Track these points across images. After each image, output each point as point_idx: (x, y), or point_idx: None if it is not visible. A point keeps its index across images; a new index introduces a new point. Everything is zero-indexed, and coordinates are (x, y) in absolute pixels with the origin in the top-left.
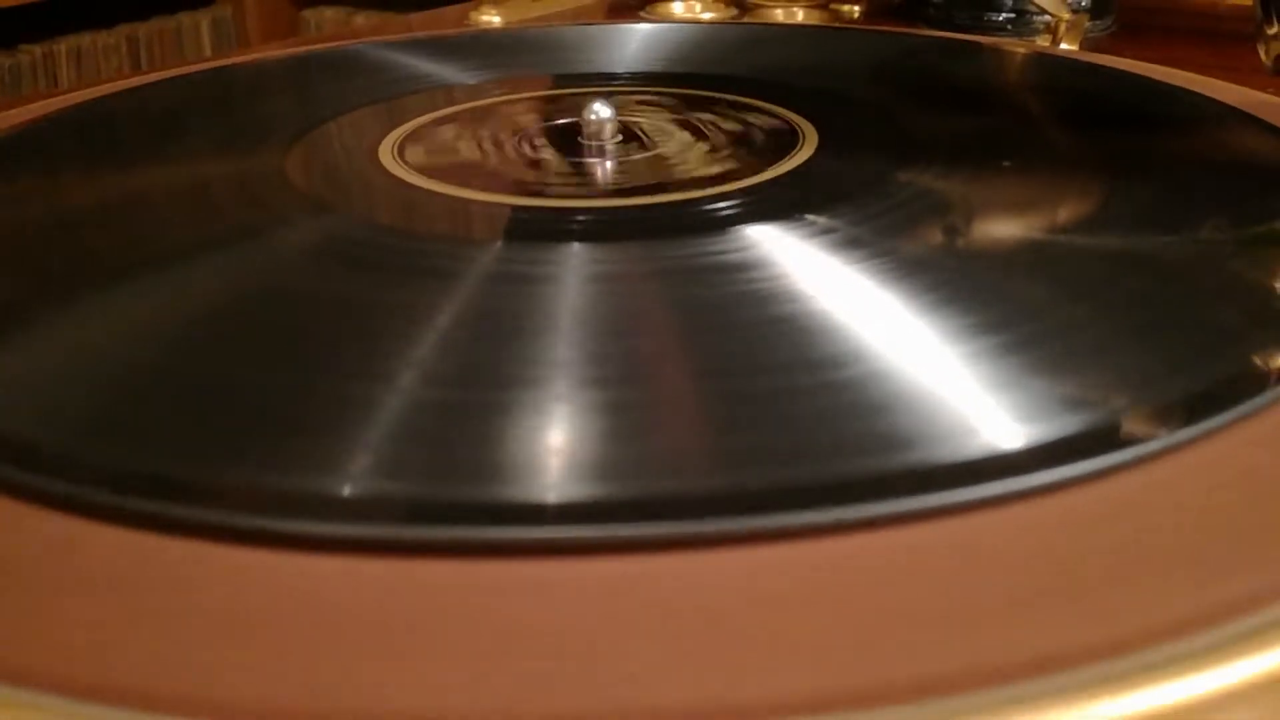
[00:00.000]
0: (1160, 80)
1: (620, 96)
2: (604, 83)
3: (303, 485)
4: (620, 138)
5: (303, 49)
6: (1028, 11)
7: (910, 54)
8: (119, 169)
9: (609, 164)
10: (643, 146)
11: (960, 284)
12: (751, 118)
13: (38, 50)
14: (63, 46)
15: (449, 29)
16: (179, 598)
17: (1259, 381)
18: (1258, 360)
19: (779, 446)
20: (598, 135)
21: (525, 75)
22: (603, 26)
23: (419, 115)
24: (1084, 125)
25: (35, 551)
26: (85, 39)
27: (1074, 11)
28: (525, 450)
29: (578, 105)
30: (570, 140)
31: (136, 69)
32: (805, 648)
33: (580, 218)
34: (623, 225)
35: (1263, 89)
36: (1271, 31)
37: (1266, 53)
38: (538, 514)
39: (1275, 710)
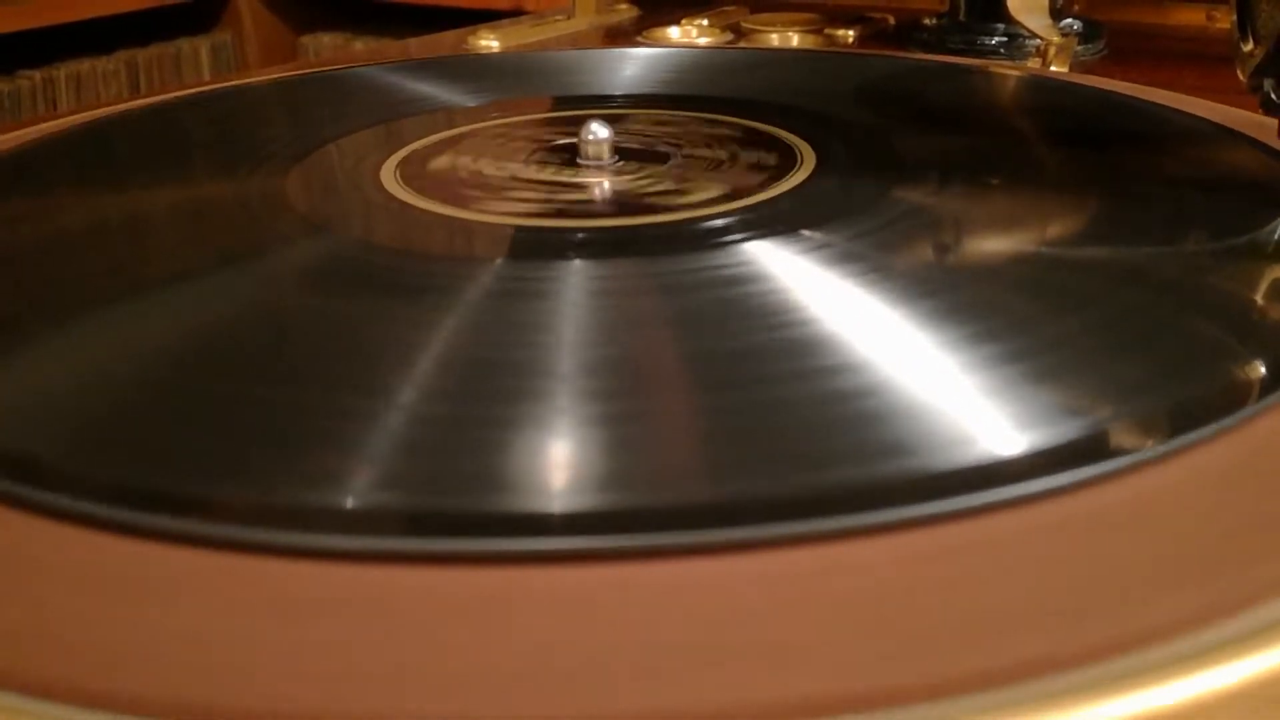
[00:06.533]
0: (1147, 100)
1: (618, 118)
2: (602, 105)
3: (305, 499)
4: (618, 158)
5: (302, 73)
6: (1019, 35)
7: (904, 77)
8: (119, 190)
9: (607, 184)
10: (641, 166)
11: (955, 296)
12: (749, 139)
13: (37, 75)
14: (62, 72)
15: (447, 53)
16: (181, 608)
17: (1245, 392)
18: (1243, 372)
19: (780, 456)
20: (596, 155)
21: (523, 98)
22: (600, 50)
23: (418, 137)
24: (1074, 143)
25: (37, 562)
26: (84, 65)
27: (1063, 35)
28: (527, 462)
29: (576, 126)
30: (569, 161)
31: (136, 94)
32: (806, 651)
33: (579, 236)
34: (622, 243)
35: (1253, 110)
36: (1247, 49)
37: (1243, 71)
38: (540, 525)
39: (1268, 713)
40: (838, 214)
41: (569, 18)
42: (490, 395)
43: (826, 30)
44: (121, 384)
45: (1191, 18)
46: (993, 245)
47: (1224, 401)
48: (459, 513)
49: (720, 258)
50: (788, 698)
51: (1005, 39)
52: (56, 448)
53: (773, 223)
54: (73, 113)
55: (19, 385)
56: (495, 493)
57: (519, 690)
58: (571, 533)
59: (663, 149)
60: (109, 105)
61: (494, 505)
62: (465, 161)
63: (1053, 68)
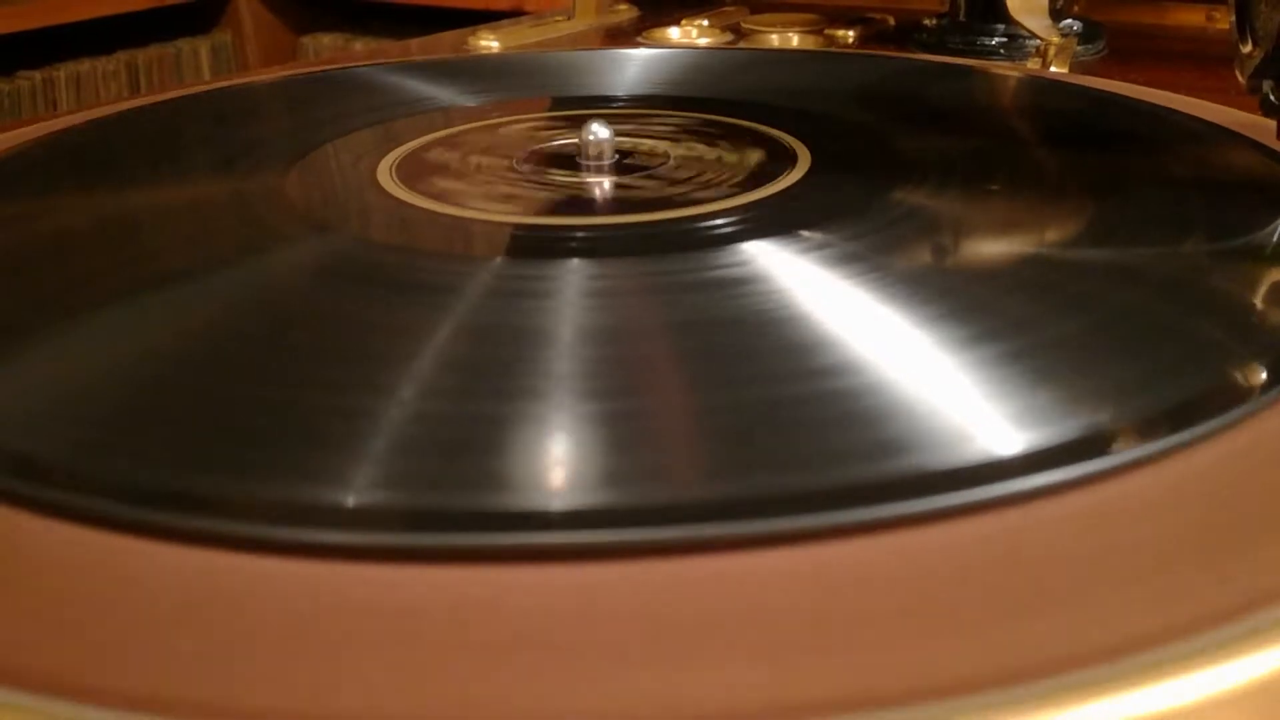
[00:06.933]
0: (1146, 100)
1: (618, 118)
2: (602, 105)
3: (307, 496)
4: (617, 158)
5: (302, 73)
6: (1019, 36)
7: (904, 77)
8: (119, 189)
9: (606, 184)
10: (640, 167)
11: (954, 297)
12: (749, 140)
13: (37, 75)
14: (61, 73)
15: (447, 54)
16: (183, 605)
17: (1242, 392)
18: (1242, 371)
19: (778, 454)
20: (596, 156)
21: (523, 98)
22: (600, 51)
23: (417, 137)
24: (1072, 144)
25: (42, 560)
26: (84, 65)
27: (1063, 35)
28: (527, 460)
29: (576, 127)
30: (568, 161)
31: (136, 94)
32: (804, 649)
33: (578, 235)
34: (620, 242)
35: (1253, 110)
36: (1246, 50)
37: (1242, 72)
38: (540, 521)
39: (1269, 713)
40: (837, 214)
41: (569, 18)
42: (488, 393)
43: (826, 30)
44: (122, 383)
45: (1191, 18)
46: (992, 246)
47: (1223, 401)
48: (458, 510)
49: (719, 257)
50: (785, 694)
51: (1005, 39)
52: (59, 446)
53: (772, 223)
54: (72, 113)
55: (19, 385)
56: (495, 490)
57: (517, 686)
58: (570, 528)
59: (662, 149)
60: (109, 105)
61: (494, 503)
62: (465, 161)
63: (1052, 68)
